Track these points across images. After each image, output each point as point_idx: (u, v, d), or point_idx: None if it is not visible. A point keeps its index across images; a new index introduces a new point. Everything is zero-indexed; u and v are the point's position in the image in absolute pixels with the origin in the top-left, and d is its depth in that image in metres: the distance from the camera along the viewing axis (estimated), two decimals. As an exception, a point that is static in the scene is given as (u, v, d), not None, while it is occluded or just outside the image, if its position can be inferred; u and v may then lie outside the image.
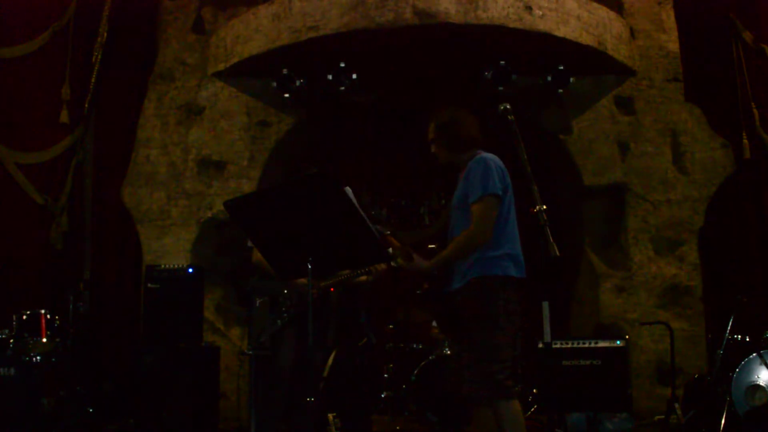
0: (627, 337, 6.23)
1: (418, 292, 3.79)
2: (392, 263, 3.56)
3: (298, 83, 6.65)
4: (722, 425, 5.11)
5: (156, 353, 5.75)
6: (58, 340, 5.75)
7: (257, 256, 4.42)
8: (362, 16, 6.03)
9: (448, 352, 6.22)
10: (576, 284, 7.42)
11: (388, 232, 3.58)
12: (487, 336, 3.34)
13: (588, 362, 5.83)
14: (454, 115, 3.66)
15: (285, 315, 4.27)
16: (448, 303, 3.55)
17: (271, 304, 4.35)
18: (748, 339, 5.54)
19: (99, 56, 7.09)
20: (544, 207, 3.05)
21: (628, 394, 5.82)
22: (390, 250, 3.45)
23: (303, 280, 4.12)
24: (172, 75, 7.07)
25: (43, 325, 5.68)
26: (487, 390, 3.34)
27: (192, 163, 6.93)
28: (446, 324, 3.76)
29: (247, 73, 6.86)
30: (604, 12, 6.59)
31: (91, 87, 7.08)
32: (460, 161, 3.66)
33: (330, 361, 5.58)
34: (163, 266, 6.19)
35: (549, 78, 6.67)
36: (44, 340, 5.67)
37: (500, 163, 3.52)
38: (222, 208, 5.13)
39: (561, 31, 6.23)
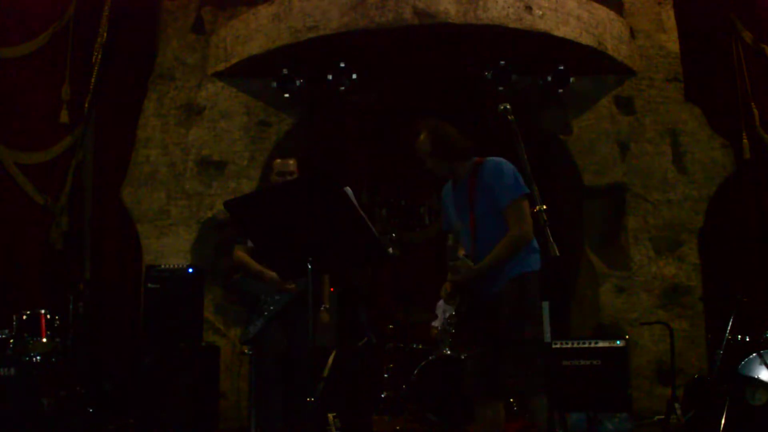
0: (627, 337, 6.23)
1: (449, 301, 3.77)
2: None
3: (298, 83, 6.65)
4: (722, 425, 5.11)
5: (156, 353, 5.75)
6: (58, 340, 5.74)
7: (239, 254, 4.45)
8: (362, 16, 6.03)
9: (448, 352, 6.22)
10: (576, 284, 7.42)
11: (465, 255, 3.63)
12: (531, 331, 3.42)
13: (588, 362, 5.82)
14: (445, 128, 3.69)
15: (266, 314, 4.25)
16: (487, 309, 3.61)
17: (253, 303, 4.35)
18: (748, 339, 5.54)
19: (99, 56, 7.08)
20: (544, 207, 3.05)
21: (627, 394, 5.82)
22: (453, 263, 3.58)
23: (276, 276, 4.14)
24: (172, 75, 7.07)
25: (43, 325, 5.67)
26: (532, 383, 3.42)
27: (192, 163, 6.93)
28: (480, 324, 3.74)
29: (247, 73, 6.86)
30: (604, 12, 6.60)
31: (91, 87, 7.07)
32: (459, 171, 3.71)
33: (330, 361, 5.58)
34: (163, 266, 6.19)
35: (549, 78, 6.68)
36: (44, 340, 5.66)
37: (508, 162, 3.61)
38: (222, 208, 5.15)
39: (561, 31, 6.23)
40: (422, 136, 3.69)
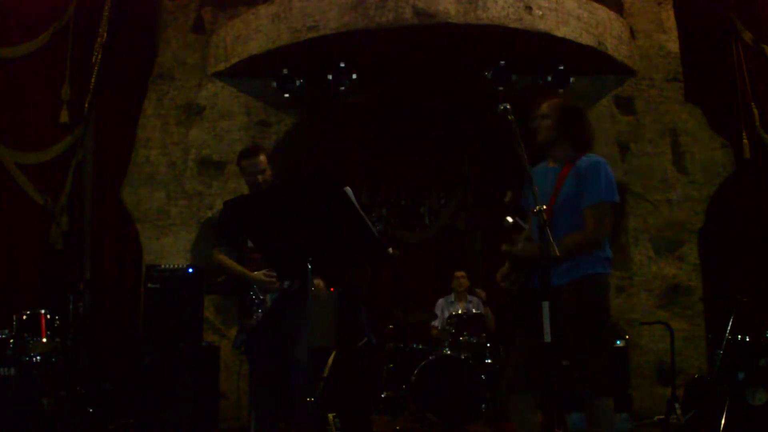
0: (627, 337, 6.24)
1: (501, 280, 3.63)
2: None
3: (298, 83, 6.65)
4: (722, 425, 5.11)
5: (156, 353, 5.74)
6: (58, 340, 5.74)
7: (219, 257, 4.28)
8: (362, 16, 6.03)
9: (448, 352, 6.22)
10: (576, 284, 7.40)
11: (526, 226, 3.49)
12: (602, 331, 3.39)
13: (588, 362, 5.82)
14: (584, 112, 3.63)
15: (254, 316, 4.18)
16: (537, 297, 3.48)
17: (240, 306, 4.26)
18: (748, 339, 5.54)
19: (99, 56, 7.09)
20: (544, 207, 3.05)
21: (628, 394, 5.83)
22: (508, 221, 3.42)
23: (260, 275, 4.06)
24: (172, 75, 7.07)
25: (43, 325, 5.68)
26: (601, 384, 3.34)
27: (192, 163, 6.93)
28: (525, 317, 3.61)
29: (247, 73, 6.86)
30: (604, 12, 6.59)
31: (91, 87, 7.07)
32: (560, 154, 3.58)
33: (330, 361, 5.58)
34: (163, 266, 6.19)
35: (549, 78, 6.67)
36: (44, 340, 5.66)
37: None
38: (222, 208, 5.14)
39: (561, 31, 6.23)
40: (557, 100, 3.59)
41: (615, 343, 3.31)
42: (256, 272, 4.08)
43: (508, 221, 3.51)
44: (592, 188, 3.39)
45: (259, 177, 4.12)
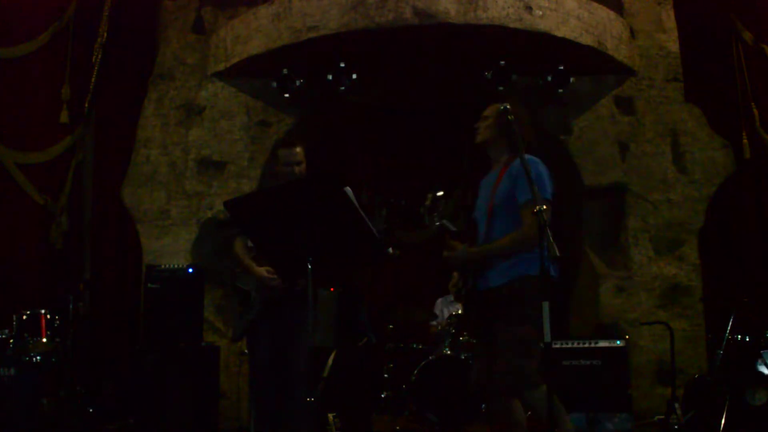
0: (627, 337, 6.24)
1: (452, 288, 3.77)
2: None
3: (298, 83, 6.65)
4: (722, 425, 5.11)
5: (156, 353, 5.74)
6: (58, 340, 5.75)
7: (236, 248, 4.24)
8: (362, 16, 6.03)
9: (448, 352, 6.22)
10: (576, 284, 7.42)
11: (455, 229, 3.52)
12: (526, 332, 3.39)
13: (588, 362, 5.84)
14: (523, 114, 3.61)
15: (252, 311, 4.18)
16: (485, 300, 3.57)
17: (243, 299, 4.27)
18: (748, 339, 5.54)
19: (99, 56, 7.08)
20: (544, 207, 3.05)
21: (628, 394, 5.83)
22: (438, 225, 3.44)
23: (263, 272, 4.06)
24: (172, 75, 7.07)
25: (43, 325, 5.68)
26: (523, 381, 3.40)
27: (192, 163, 6.93)
28: (480, 321, 3.73)
29: (247, 73, 6.85)
30: (604, 12, 6.59)
31: (91, 87, 7.07)
32: (501, 156, 3.65)
33: (330, 361, 5.58)
34: (163, 266, 6.19)
35: (549, 78, 6.67)
36: (44, 340, 5.67)
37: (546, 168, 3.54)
38: (222, 208, 5.14)
39: (561, 31, 6.23)
40: (499, 106, 3.58)
41: (540, 342, 3.29)
42: (260, 267, 4.09)
43: (435, 225, 3.52)
44: (523, 186, 3.38)
45: (296, 168, 4.09)
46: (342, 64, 6.51)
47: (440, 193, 3.63)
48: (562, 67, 6.61)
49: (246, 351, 4.66)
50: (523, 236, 3.43)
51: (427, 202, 3.57)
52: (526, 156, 3.42)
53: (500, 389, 3.48)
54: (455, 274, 3.73)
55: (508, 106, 3.42)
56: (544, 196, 3.41)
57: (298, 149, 4.13)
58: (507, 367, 3.41)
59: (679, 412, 5.58)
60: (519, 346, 3.39)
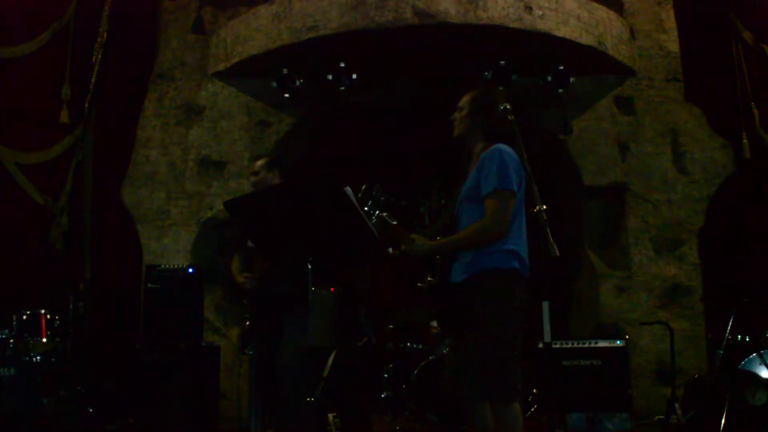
0: (627, 337, 6.24)
1: (420, 285, 3.60)
2: (391, 252, 3.40)
3: (298, 83, 6.65)
4: (722, 425, 5.11)
5: (156, 353, 5.75)
6: (58, 340, 5.75)
7: (232, 264, 4.48)
8: (362, 16, 6.03)
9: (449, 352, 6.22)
10: (576, 284, 7.42)
11: (395, 222, 3.36)
12: (504, 332, 3.15)
13: (588, 362, 5.83)
14: (498, 101, 3.38)
15: (245, 316, 4.24)
16: (449, 296, 3.37)
17: (240, 308, 4.39)
18: (748, 339, 5.54)
19: (99, 56, 7.09)
20: (544, 207, 3.03)
21: (628, 394, 5.83)
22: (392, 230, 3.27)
23: (239, 278, 4.21)
24: (172, 75, 7.07)
25: (43, 325, 5.68)
26: (489, 388, 3.15)
27: (192, 163, 6.93)
28: (446, 319, 3.55)
29: (247, 73, 6.86)
30: (604, 12, 6.60)
31: (91, 87, 7.08)
32: (476, 147, 3.44)
33: (330, 361, 5.58)
34: (163, 266, 6.19)
35: (549, 78, 6.67)
36: (44, 340, 5.67)
37: (516, 156, 3.28)
38: (222, 208, 5.14)
39: (561, 31, 6.23)
40: (474, 92, 3.44)
41: (517, 346, 3.03)
42: (239, 275, 4.24)
43: (373, 219, 3.27)
44: (486, 177, 3.23)
45: (251, 178, 4.46)
46: (342, 64, 6.51)
47: (377, 185, 3.46)
48: (562, 67, 6.61)
49: (247, 351, 4.67)
50: (482, 227, 3.20)
51: (359, 194, 3.29)
52: (497, 145, 3.28)
53: (471, 398, 3.23)
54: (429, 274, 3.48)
55: (508, 106, 3.36)
56: (508, 187, 3.19)
57: (258, 162, 4.55)
58: (474, 375, 3.15)
59: (679, 412, 5.58)
60: (487, 350, 3.11)
